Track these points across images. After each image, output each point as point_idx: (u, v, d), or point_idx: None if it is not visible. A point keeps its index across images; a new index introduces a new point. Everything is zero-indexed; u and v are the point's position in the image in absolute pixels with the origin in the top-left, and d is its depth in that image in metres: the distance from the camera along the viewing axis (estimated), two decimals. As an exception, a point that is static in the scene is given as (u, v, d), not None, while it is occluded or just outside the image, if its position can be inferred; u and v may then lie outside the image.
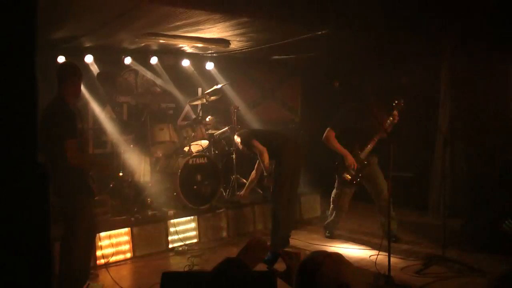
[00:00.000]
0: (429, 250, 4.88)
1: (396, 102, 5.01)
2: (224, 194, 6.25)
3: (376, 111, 4.88)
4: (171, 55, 7.22)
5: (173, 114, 7.35)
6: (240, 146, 5.50)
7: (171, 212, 5.48)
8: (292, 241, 5.38)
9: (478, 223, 5.01)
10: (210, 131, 6.44)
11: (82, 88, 5.92)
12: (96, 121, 6.42)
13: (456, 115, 6.43)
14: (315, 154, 6.30)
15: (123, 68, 6.90)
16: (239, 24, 5.21)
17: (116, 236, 4.90)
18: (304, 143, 6.65)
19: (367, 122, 5.04)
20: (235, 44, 6.42)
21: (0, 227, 0.92)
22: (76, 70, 3.87)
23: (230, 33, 5.67)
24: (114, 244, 4.83)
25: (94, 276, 4.39)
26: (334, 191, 5.46)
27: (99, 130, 6.38)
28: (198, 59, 7.52)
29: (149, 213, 5.48)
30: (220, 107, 7.14)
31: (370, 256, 4.77)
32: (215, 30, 5.50)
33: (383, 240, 4.31)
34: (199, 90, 7.68)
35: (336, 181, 5.41)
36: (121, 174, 5.95)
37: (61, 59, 6.18)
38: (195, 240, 5.50)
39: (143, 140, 6.04)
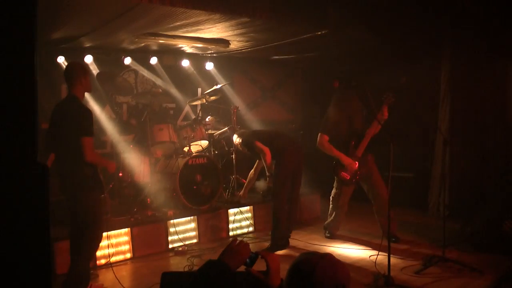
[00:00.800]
0: (429, 250, 4.87)
1: (385, 96, 5.02)
2: (224, 194, 6.25)
3: (368, 101, 4.89)
4: (171, 55, 7.22)
5: (173, 114, 7.36)
6: (241, 147, 5.51)
7: (170, 212, 5.48)
8: (292, 241, 5.38)
9: (478, 223, 5.01)
10: (209, 131, 6.43)
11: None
12: (95, 121, 6.41)
13: (455, 115, 6.43)
14: (315, 154, 6.29)
15: (122, 68, 6.90)
16: (239, 24, 5.21)
17: (116, 236, 4.89)
18: (304, 143, 6.65)
19: (355, 114, 5.05)
20: (235, 44, 6.42)
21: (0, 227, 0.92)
22: (85, 68, 3.98)
23: (230, 33, 5.67)
24: (114, 245, 4.82)
25: (94, 276, 4.38)
26: (334, 190, 5.46)
27: (99, 130, 6.38)
28: (198, 59, 7.52)
29: (149, 213, 5.48)
30: (220, 107, 7.14)
31: (370, 256, 4.77)
32: (215, 30, 5.50)
33: (382, 240, 4.31)
34: (199, 90, 7.68)
35: (335, 180, 5.41)
36: (120, 174, 5.94)
37: (60, 59, 6.19)
38: (195, 240, 5.50)
39: (142, 140, 6.04)
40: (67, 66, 3.97)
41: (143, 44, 6.24)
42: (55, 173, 3.81)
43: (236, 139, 5.59)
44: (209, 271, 1.76)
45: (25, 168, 0.95)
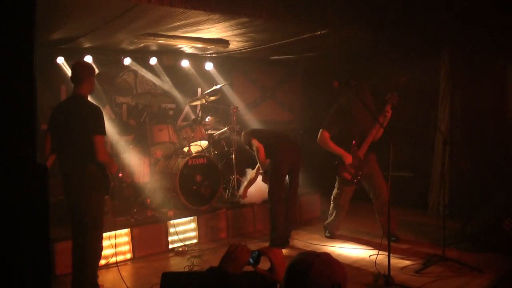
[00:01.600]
0: (429, 249, 4.87)
1: (388, 96, 5.02)
2: (224, 194, 6.25)
3: (369, 103, 4.89)
4: (170, 55, 7.22)
5: (172, 114, 7.36)
6: (246, 146, 5.59)
7: (170, 212, 5.47)
8: (292, 241, 5.39)
9: (478, 223, 5.01)
10: (209, 132, 6.44)
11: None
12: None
13: (455, 114, 6.43)
14: (315, 154, 6.30)
15: (122, 68, 6.90)
16: (239, 24, 5.21)
17: (116, 237, 4.89)
18: (303, 143, 6.65)
19: (361, 117, 5.05)
20: (234, 45, 6.42)
21: (-1, 228, 0.92)
22: (93, 68, 3.95)
23: (229, 33, 5.67)
24: (114, 245, 4.82)
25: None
26: (335, 190, 5.47)
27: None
28: (197, 59, 7.52)
29: (149, 213, 5.48)
30: (219, 108, 7.14)
31: (370, 256, 4.77)
32: (214, 31, 5.50)
33: (382, 239, 4.32)
34: (199, 90, 7.68)
35: (337, 180, 5.41)
36: (120, 175, 5.95)
37: (60, 59, 6.19)
38: (195, 241, 5.50)
39: (142, 140, 6.04)
40: (76, 65, 3.89)
41: (142, 45, 6.25)
42: (55, 174, 3.79)
43: (242, 138, 5.65)
44: (209, 279, 1.76)
45: (25, 169, 0.96)
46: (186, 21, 4.97)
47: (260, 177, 5.62)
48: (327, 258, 1.59)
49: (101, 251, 3.93)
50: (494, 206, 5.03)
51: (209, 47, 6.46)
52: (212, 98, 6.55)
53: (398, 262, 4.54)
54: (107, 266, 4.61)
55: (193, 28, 5.34)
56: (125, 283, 4.13)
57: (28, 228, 0.95)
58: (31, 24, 0.99)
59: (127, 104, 6.98)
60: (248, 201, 5.86)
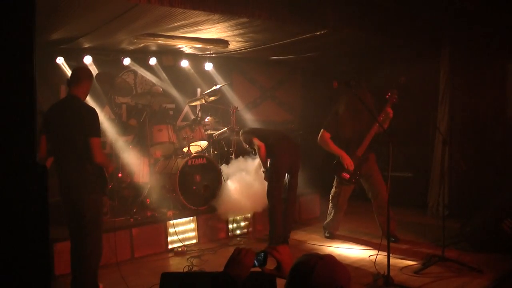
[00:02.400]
0: (429, 250, 4.88)
1: (389, 95, 5.02)
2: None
3: (369, 102, 4.90)
4: (170, 55, 7.22)
5: (172, 114, 7.36)
6: (245, 145, 5.59)
7: (170, 212, 5.47)
8: (292, 241, 5.39)
9: (477, 223, 5.01)
10: (209, 132, 6.44)
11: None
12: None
13: (455, 114, 6.43)
14: (314, 154, 6.30)
15: (122, 68, 6.90)
16: (238, 25, 5.21)
17: (115, 237, 4.88)
18: (303, 144, 6.65)
19: (361, 117, 5.05)
20: (234, 45, 6.42)
21: (-1, 228, 0.92)
22: (91, 74, 3.99)
23: (229, 33, 5.67)
24: (113, 245, 4.81)
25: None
26: (333, 189, 5.47)
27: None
28: (197, 59, 7.52)
29: (148, 214, 5.48)
30: (219, 108, 7.14)
31: (369, 256, 4.77)
32: (214, 31, 5.50)
33: (382, 240, 4.31)
34: (198, 90, 7.68)
35: (335, 179, 5.41)
36: (120, 175, 5.94)
37: (60, 60, 6.18)
38: (194, 241, 5.50)
39: (142, 140, 6.03)
40: (76, 68, 3.98)
41: (142, 45, 6.24)
42: (54, 174, 3.78)
43: (240, 136, 5.66)
44: (213, 284, 1.76)
45: (24, 169, 0.95)
46: (186, 21, 4.97)
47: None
48: (331, 260, 1.58)
49: (101, 251, 3.91)
50: (494, 206, 5.03)
51: (208, 47, 6.46)
52: (211, 98, 6.55)
53: (398, 262, 4.54)
54: (108, 266, 4.60)
55: (192, 28, 5.34)
56: (126, 283, 4.13)
57: (28, 228, 0.95)
58: (31, 24, 0.99)
59: (126, 104, 6.98)
60: (248, 211, 5.83)
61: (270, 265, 1.91)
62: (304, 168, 5.58)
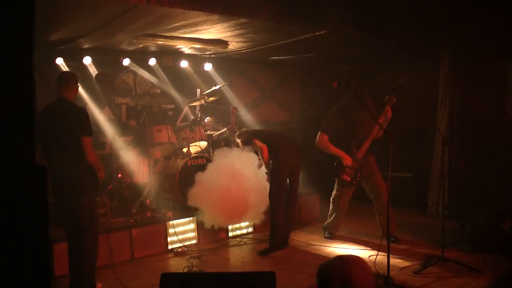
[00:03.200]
0: (428, 250, 4.87)
1: (387, 97, 5.02)
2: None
3: (369, 104, 4.90)
4: (169, 56, 7.22)
5: (172, 115, 7.36)
6: (242, 147, 5.55)
7: (170, 213, 5.47)
8: (292, 242, 5.38)
9: (477, 223, 5.01)
10: (208, 132, 6.44)
11: (81, 89, 5.97)
12: (94, 122, 6.42)
13: (454, 115, 6.44)
14: (314, 155, 6.30)
15: (121, 69, 6.90)
16: (238, 25, 5.21)
17: (115, 237, 4.88)
18: (303, 144, 6.65)
19: (361, 119, 5.05)
20: (233, 45, 6.42)
21: (-2, 229, 0.92)
22: (77, 79, 4.03)
23: (228, 34, 5.67)
24: (113, 246, 4.82)
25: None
26: (334, 191, 5.46)
27: (98, 131, 6.38)
28: (196, 60, 7.53)
29: (148, 214, 5.48)
30: (218, 108, 7.14)
31: (369, 257, 4.77)
32: (213, 31, 5.50)
33: (382, 240, 4.31)
34: (198, 91, 7.68)
35: (336, 181, 5.41)
36: (120, 175, 5.94)
37: (59, 60, 6.18)
38: (194, 241, 5.50)
39: (141, 141, 6.03)
40: (64, 73, 4.11)
41: (141, 45, 6.25)
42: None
43: (236, 139, 5.62)
44: None
45: (24, 169, 0.95)
46: (185, 22, 4.97)
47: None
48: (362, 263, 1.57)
49: (96, 251, 3.92)
50: (494, 206, 5.04)
51: (208, 47, 6.46)
52: (211, 98, 6.55)
53: (398, 262, 4.54)
54: (107, 266, 4.60)
55: (192, 29, 5.34)
56: (122, 284, 4.13)
57: (28, 229, 0.95)
58: (31, 24, 0.99)
59: (126, 105, 6.98)
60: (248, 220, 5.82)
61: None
62: (304, 169, 5.57)
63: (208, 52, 7.15)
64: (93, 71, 6.37)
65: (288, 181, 5.38)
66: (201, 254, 5.08)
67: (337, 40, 6.21)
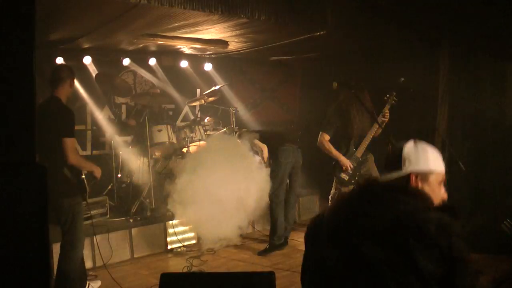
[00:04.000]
0: (428, 250, 4.86)
1: (387, 96, 5.02)
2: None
3: (368, 103, 4.90)
4: (169, 56, 7.22)
5: (172, 115, 7.36)
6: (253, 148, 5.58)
7: (169, 213, 5.47)
8: (291, 242, 5.39)
9: (477, 223, 5.01)
10: (208, 132, 6.43)
11: (81, 89, 5.96)
12: (94, 122, 6.42)
13: (454, 115, 6.43)
14: (313, 155, 6.29)
15: (121, 69, 6.90)
16: (238, 25, 5.20)
17: (115, 237, 4.89)
18: (303, 144, 6.65)
19: (360, 117, 5.05)
20: (233, 45, 6.42)
21: (-2, 229, 0.92)
22: (73, 71, 3.94)
23: (228, 34, 5.67)
24: (112, 246, 4.82)
25: (93, 277, 4.38)
26: (332, 190, 5.46)
27: (98, 131, 6.38)
28: (196, 60, 7.52)
29: (148, 214, 5.48)
30: (218, 108, 7.14)
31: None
32: (213, 31, 5.50)
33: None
34: (198, 91, 7.68)
35: (334, 180, 5.41)
36: (119, 175, 5.94)
37: (59, 60, 6.17)
38: (194, 241, 5.50)
39: (141, 141, 6.03)
40: (56, 67, 3.90)
41: (141, 45, 6.24)
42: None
43: (238, 138, 5.63)
44: None
45: (24, 169, 0.95)
46: (185, 22, 4.96)
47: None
48: None
49: (80, 254, 3.88)
50: (494, 206, 5.04)
51: (208, 47, 6.46)
52: (211, 98, 6.55)
53: (397, 262, 4.53)
54: (106, 266, 4.60)
55: (192, 29, 5.34)
56: (118, 284, 4.13)
57: (28, 229, 0.94)
58: (31, 24, 0.99)
59: (126, 105, 6.98)
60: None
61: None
62: (304, 168, 5.58)
63: (208, 52, 7.15)
64: (93, 70, 6.37)
65: (288, 181, 5.38)
66: (200, 254, 5.09)
67: (336, 41, 6.21)
